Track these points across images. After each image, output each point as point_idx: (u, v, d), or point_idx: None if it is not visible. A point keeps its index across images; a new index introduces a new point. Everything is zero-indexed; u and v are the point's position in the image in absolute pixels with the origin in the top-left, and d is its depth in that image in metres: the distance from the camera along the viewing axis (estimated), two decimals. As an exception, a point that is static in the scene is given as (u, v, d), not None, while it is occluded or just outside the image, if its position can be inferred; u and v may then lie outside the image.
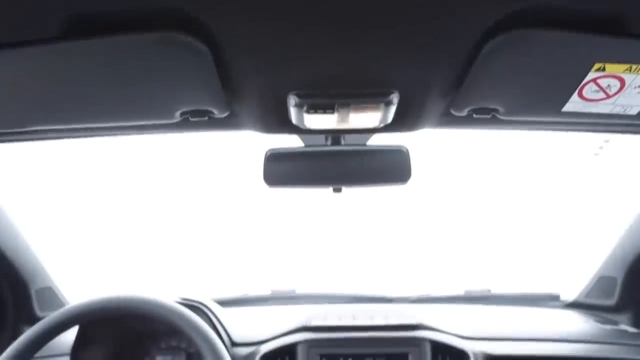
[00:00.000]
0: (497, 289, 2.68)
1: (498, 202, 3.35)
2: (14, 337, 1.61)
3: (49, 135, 1.56)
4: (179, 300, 1.85)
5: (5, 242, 2.06)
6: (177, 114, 1.36)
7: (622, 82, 1.22)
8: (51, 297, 2.35)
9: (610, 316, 2.38)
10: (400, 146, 1.59)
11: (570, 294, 2.60)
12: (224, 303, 2.18)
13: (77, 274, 2.70)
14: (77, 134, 1.58)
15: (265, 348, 1.89)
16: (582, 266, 2.57)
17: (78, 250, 3.18)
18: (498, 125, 1.54)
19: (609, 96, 1.27)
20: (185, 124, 1.44)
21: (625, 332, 2.22)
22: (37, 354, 1.97)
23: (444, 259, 3.27)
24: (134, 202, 3.48)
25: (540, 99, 1.33)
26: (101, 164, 3.68)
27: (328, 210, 3.35)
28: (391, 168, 1.58)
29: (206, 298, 2.03)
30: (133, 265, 3.34)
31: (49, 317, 1.61)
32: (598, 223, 2.78)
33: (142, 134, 1.59)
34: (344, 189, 1.64)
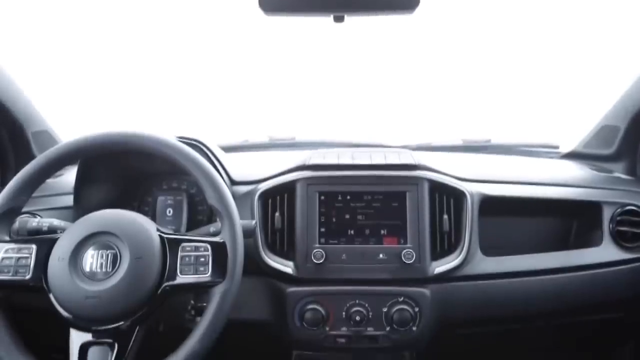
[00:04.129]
0: (497, 139, 2.69)
1: (503, 42, 3.15)
2: None
3: None
4: (177, 138, 1.82)
5: None
6: None
7: None
8: (48, 140, 2.34)
9: (606, 165, 2.41)
10: None
11: (569, 145, 2.61)
12: (223, 149, 2.17)
13: (74, 118, 2.67)
14: None
15: (264, 186, 1.92)
16: (584, 119, 2.54)
17: (74, 92, 3.11)
18: None
19: None
20: None
21: (619, 178, 2.26)
22: (43, 193, 2.02)
23: (445, 109, 3.22)
24: (128, 40, 3.29)
25: None
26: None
27: (328, 54, 3.22)
28: None
29: (205, 137, 2.01)
30: (129, 109, 3.29)
31: (47, 152, 1.57)
32: (609, 71, 2.68)
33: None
34: (346, 17, 1.52)
